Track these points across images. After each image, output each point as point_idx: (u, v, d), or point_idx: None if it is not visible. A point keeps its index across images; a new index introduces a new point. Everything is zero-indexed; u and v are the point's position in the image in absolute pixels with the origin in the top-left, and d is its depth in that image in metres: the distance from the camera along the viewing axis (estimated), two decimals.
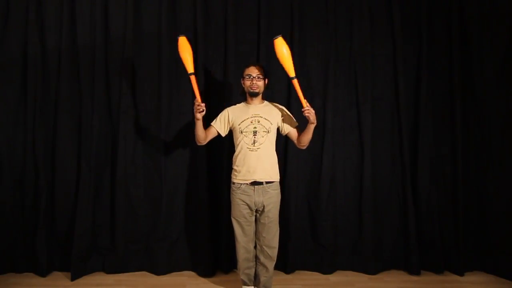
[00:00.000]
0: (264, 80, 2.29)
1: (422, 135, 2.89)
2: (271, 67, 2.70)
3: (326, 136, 2.84)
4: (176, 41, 2.22)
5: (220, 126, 2.32)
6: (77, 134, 2.78)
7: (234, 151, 2.33)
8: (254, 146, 2.21)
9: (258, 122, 2.24)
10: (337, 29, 2.88)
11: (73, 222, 2.72)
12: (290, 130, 2.31)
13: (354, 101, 2.90)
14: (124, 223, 2.78)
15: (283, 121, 2.30)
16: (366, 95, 2.87)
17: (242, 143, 2.24)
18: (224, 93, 2.79)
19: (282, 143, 2.78)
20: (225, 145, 2.69)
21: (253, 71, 2.25)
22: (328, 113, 2.84)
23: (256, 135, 2.20)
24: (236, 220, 2.28)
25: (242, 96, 2.43)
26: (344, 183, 2.90)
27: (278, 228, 2.32)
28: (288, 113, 2.35)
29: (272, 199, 2.24)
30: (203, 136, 2.26)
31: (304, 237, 2.89)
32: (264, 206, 2.22)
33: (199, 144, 2.32)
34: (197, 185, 2.79)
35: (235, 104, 2.41)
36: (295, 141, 2.33)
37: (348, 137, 2.91)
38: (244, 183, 2.22)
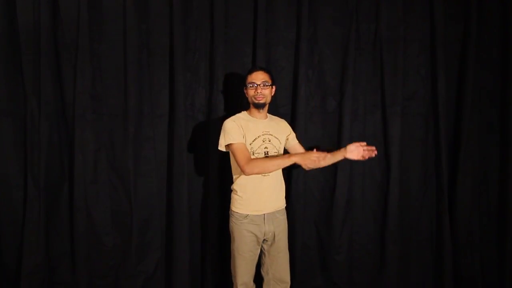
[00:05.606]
0: (271, 88, 2.13)
1: (465, 147, 2.63)
2: (271, 57, 2.51)
3: (341, 147, 2.52)
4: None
5: (243, 140, 2.03)
6: (22, 143, 2.45)
7: (226, 165, 2.20)
8: None
9: (269, 141, 2.09)
10: (358, 6, 2.57)
11: (20, 257, 2.43)
12: (292, 145, 2.25)
13: (378, 101, 2.65)
14: (87, 254, 2.50)
15: (289, 137, 2.24)
16: (395, 95, 2.60)
17: None
18: (208, 91, 2.55)
19: None
20: (212, 156, 2.48)
21: (257, 78, 2.08)
22: (344, 117, 2.57)
23: (267, 157, 2.06)
24: (242, 256, 2.08)
25: (246, 106, 2.25)
26: (363, 206, 2.67)
27: (289, 259, 2.20)
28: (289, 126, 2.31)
29: (281, 227, 2.15)
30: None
31: (312, 271, 2.67)
32: (274, 236, 2.11)
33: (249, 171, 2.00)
34: (179, 208, 2.50)
35: (232, 114, 2.18)
36: None
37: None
38: (253, 214, 2.08)
